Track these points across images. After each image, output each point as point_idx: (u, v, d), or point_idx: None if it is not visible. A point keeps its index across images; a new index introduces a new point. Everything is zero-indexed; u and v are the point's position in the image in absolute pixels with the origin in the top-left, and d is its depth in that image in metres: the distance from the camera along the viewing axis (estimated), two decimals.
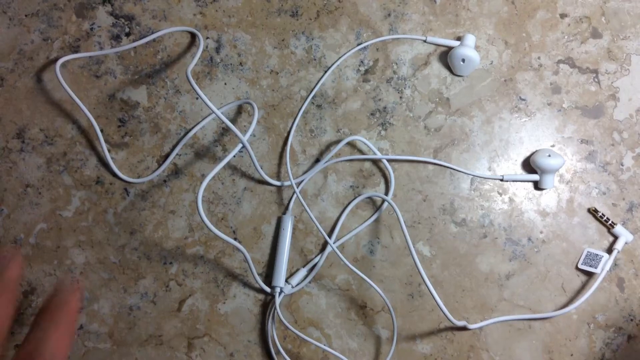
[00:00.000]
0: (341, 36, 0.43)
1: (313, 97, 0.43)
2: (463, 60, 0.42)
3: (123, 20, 0.43)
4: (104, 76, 0.42)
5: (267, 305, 0.42)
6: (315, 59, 0.43)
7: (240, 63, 0.43)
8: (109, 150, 0.42)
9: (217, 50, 0.43)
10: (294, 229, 0.42)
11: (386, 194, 0.42)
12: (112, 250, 0.42)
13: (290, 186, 0.42)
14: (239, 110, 0.43)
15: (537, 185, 0.42)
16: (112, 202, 0.42)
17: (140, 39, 0.42)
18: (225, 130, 0.42)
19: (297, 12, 0.43)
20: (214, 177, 0.42)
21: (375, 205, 0.42)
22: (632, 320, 0.41)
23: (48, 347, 0.30)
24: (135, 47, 0.42)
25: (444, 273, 0.42)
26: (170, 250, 0.42)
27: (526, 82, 0.43)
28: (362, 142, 0.42)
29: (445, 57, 0.43)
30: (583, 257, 0.41)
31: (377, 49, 0.43)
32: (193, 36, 0.43)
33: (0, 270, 0.39)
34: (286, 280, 0.41)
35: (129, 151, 0.42)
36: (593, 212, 0.41)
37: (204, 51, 0.42)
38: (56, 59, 0.41)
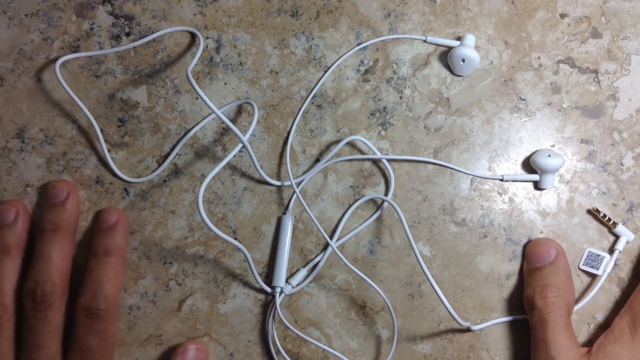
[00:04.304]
0: (341, 36, 0.43)
1: (313, 97, 0.43)
2: (463, 60, 0.42)
3: (123, 20, 0.43)
4: (104, 76, 0.42)
5: (267, 305, 0.42)
6: (315, 59, 0.43)
7: (240, 63, 0.43)
8: (108, 150, 0.42)
9: (217, 50, 0.43)
10: (294, 229, 0.42)
11: (386, 194, 0.42)
12: None
13: (290, 186, 0.42)
14: (239, 110, 0.43)
15: (537, 185, 0.42)
16: (111, 202, 0.42)
17: (140, 38, 0.42)
18: (225, 130, 0.42)
19: (297, 12, 0.43)
20: (214, 177, 0.42)
21: (375, 205, 0.42)
22: None
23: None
24: (135, 47, 0.42)
25: (444, 273, 0.42)
26: (170, 250, 0.42)
27: (526, 82, 0.43)
28: (362, 142, 0.42)
29: (445, 57, 0.43)
30: (584, 257, 0.41)
31: (377, 49, 0.43)
32: (193, 36, 0.43)
33: (60, 206, 0.40)
34: (286, 281, 0.41)
35: (128, 151, 0.42)
36: (594, 212, 0.41)
37: (204, 51, 0.42)
38: (56, 59, 0.41)
